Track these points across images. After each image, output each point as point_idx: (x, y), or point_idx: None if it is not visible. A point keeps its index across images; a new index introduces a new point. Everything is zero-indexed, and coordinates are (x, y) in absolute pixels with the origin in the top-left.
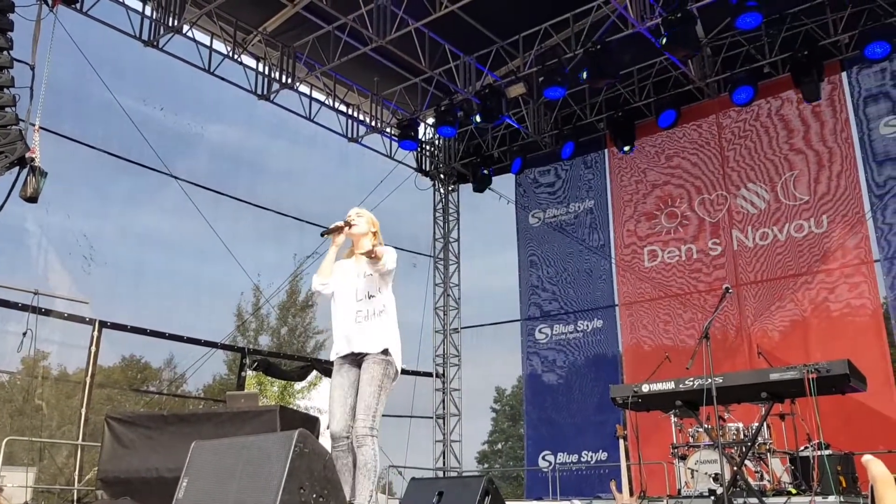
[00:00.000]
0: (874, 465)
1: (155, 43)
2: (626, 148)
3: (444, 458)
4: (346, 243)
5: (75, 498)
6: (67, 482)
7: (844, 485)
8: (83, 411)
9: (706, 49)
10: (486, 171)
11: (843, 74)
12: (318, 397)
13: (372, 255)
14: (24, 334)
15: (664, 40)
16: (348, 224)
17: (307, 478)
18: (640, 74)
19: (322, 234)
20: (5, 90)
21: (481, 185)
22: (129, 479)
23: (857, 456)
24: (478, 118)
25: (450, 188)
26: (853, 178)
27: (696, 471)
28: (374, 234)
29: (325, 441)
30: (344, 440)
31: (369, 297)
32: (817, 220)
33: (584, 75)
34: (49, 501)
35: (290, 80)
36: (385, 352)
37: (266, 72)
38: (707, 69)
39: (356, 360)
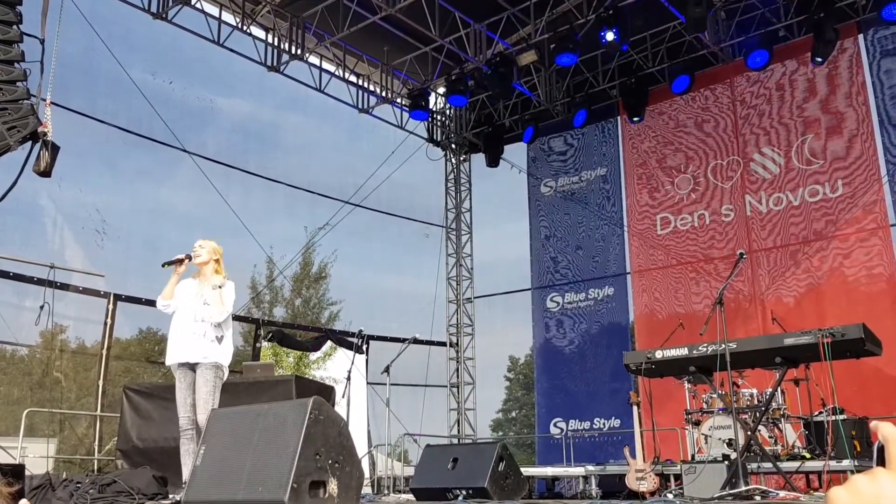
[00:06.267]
0: (884, 427)
1: (164, 15)
2: (636, 119)
3: (458, 425)
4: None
5: (95, 468)
6: (87, 452)
7: (859, 449)
8: (100, 383)
9: (720, 13)
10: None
11: (860, 37)
12: (333, 368)
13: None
14: (42, 308)
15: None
16: (189, 257)
17: (323, 444)
18: (654, 40)
19: (163, 266)
20: (16, 64)
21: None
22: (147, 449)
23: (871, 420)
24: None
25: (461, 158)
26: (869, 142)
27: (710, 436)
28: (217, 261)
29: (340, 410)
30: (188, 430)
31: (203, 321)
32: (832, 185)
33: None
34: (70, 471)
35: (299, 52)
36: (215, 364)
37: (275, 43)
38: (721, 33)
39: (192, 367)
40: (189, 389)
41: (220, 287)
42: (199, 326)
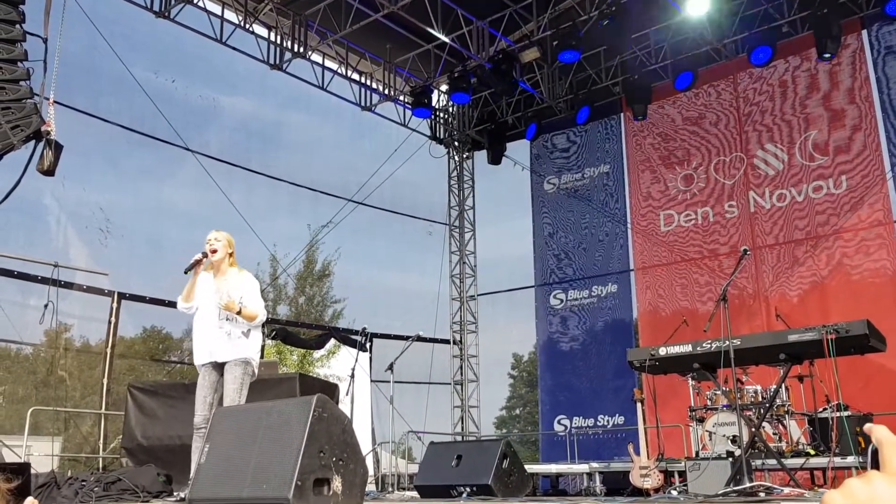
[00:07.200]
0: (878, 430)
1: (166, 13)
2: (640, 118)
3: (462, 423)
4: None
5: (100, 465)
6: (92, 450)
7: (863, 445)
8: (105, 381)
9: (723, 9)
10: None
11: (864, 32)
12: (336, 365)
13: (237, 312)
14: (46, 306)
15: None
16: (205, 254)
17: (326, 441)
18: (657, 36)
19: (185, 272)
20: (19, 64)
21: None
22: (152, 447)
23: (876, 417)
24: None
25: (464, 155)
26: (873, 138)
27: (714, 433)
28: (231, 254)
29: (344, 407)
30: (202, 429)
31: (227, 319)
32: (836, 181)
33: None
34: (75, 469)
35: (302, 50)
36: (244, 360)
37: (278, 41)
38: (724, 30)
39: (219, 366)
40: (211, 388)
41: (240, 311)
42: (224, 325)
